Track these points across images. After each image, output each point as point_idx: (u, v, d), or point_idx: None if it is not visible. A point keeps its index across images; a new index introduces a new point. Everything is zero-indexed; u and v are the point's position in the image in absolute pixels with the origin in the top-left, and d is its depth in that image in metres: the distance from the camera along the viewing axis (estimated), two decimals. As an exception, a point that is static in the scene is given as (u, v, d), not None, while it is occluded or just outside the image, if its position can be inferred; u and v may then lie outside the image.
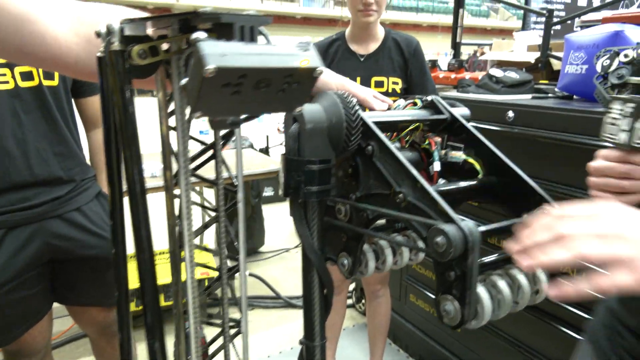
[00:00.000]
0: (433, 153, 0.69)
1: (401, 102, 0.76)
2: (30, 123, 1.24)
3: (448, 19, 24.77)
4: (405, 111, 0.72)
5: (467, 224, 0.49)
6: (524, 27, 4.25)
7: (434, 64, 3.73)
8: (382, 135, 0.59)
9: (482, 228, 0.52)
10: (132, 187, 0.48)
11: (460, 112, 0.73)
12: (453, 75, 3.16)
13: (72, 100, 1.42)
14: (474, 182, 0.66)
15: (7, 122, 1.21)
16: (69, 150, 1.35)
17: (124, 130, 0.47)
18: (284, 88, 0.39)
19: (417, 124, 0.70)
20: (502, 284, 0.54)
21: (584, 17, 2.81)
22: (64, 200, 1.33)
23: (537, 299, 0.59)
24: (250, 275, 3.15)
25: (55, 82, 1.30)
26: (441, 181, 0.71)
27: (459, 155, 0.69)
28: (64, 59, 0.57)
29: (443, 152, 0.70)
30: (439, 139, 0.71)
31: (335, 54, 1.73)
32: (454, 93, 2.28)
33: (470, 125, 0.70)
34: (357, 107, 0.61)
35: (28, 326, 1.39)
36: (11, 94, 1.20)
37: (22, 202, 1.26)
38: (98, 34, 0.48)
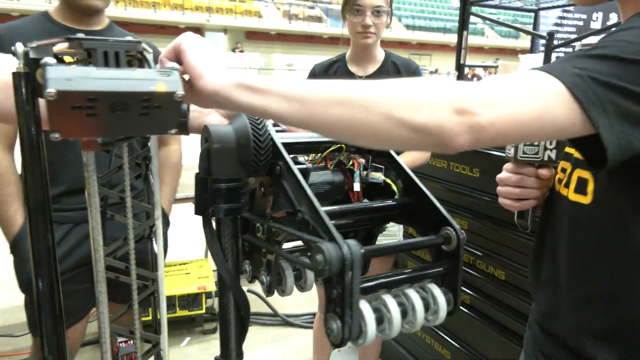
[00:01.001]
0: (354, 174, 0.71)
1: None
2: None
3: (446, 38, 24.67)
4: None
5: (350, 243, 0.51)
6: (533, 50, 4.23)
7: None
8: (287, 156, 0.61)
9: (368, 248, 0.54)
10: (31, 207, 0.51)
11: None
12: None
13: None
14: (387, 203, 0.67)
15: None
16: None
17: (25, 150, 0.50)
18: (147, 112, 0.41)
19: (339, 145, 0.72)
20: (391, 303, 0.55)
21: (585, 41, 2.80)
22: (120, 206, 1.41)
23: (434, 320, 0.59)
24: (249, 292, 3.17)
25: None
26: (366, 201, 0.73)
27: (378, 176, 0.71)
28: None
29: (365, 172, 0.72)
30: (362, 160, 0.73)
31: (335, 74, 1.78)
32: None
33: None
34: (267, 129, 0.63)
35: (72, 322, 1.47)
36: None
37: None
38: (13, 53, 0.52)
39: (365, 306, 0.53)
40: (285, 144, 0.66)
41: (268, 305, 3.16)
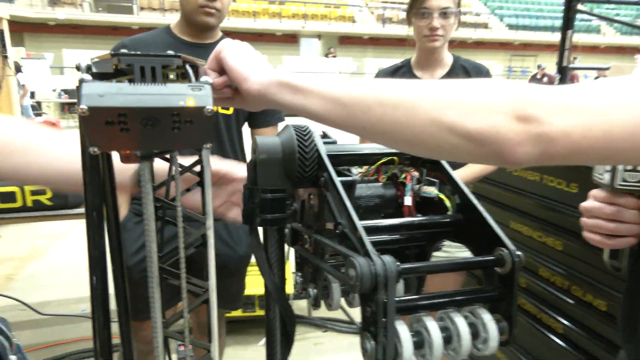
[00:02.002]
0: (406, 187, 0.68)
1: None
2: None
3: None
4: (379, 145, 0.72)
5: (385, 258, 0.49)
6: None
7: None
8: (330, 167, 0.60)
9: (405, 266, 0.51)
10: (88, 212, 0.55)
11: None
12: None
13: (242, 129, 1.62)
14: (438, 218, 0.64)
15: None
16: None
17: (85, 161, 0.55)
18: (178, 127, 0.43)
19: (390, 157, 0.69)
20: (433, 327, 0.52)
21: None
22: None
23: (485, 350, 0.55)
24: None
25: (229, 112, 1.50)
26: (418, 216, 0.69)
27: (431, 191, 0.67)
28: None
29: (417, 186, 0.69)
30: (416, 173, 0.70)
31: None
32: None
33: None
34: (313, 140, 0.63)
35: (168, 307, 1.59)
36: None
37: None
38: (77, 68, 0.57)
39: (402, 328, 0.51)
40: (332, 156, 0.65)
41: (345, 312, 3.16)
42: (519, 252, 0.55)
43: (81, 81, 0.39)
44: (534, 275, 1.70)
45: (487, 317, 0.55)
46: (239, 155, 1.61)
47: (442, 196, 0.66)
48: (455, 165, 1.70)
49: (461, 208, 0.64)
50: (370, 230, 0.62)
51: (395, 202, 0.71)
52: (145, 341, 1.57)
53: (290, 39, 20.81)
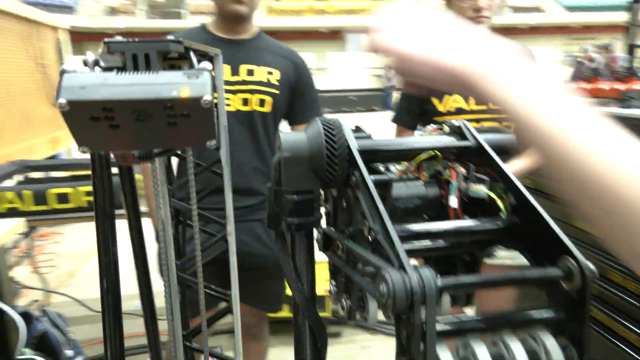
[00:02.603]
0: (450, 186, 0.60)
1: (429, 127, 0.68)
2: (239, 139, 1.44)
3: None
4: (419, 138, 0.64)
5: (423, 272, 0.41)
6: None
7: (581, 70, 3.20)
8: (361, 164, 0.53)
9: (447, 281, 0.43)
10: (99, 217, 0.52)
11: (494, 138, 0.62)
12: (618, 86, 2.67)
13: (279, 126, 1.59)
14: (489, 222, 0.55)
15: None
16: (265, 167, 1.52)
17: (96, 167, 0.50)
18: (175, 121, 0.37)
19: (432, 152, 0.61)
20: (483, 354, 0.44)
21: None
22: (251, 210, 1.51)
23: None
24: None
25: (266, 109, 1.47)
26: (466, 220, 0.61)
27: (480, 189, 0.58)
28: None
29: (464, 185, 0.60)
30: (462, 170, 0.61)
31: None
32: (615, 109, 1.93)
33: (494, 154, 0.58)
34: (343, 135, 0.56)
35: (195, 313, 1.59)
36: (232, 114, 1.44)
37: (221, 204, 1.47)
38: (85, 62, 0.53)
39: (445, 355, 0.43)
40: (365, 152, 0.58)
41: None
42: (590, 265, 0.45)
43: (62, 72, 0.34)
44: (604, 279, 1.54)
45: (551, 342, 0.46)
46: (275, 151, 1.58)
47: (493, 196, 0.57)
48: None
49: (517, 209, 0.55)
50: (408, 237, 0.54)
51: (440, 203, 0.62)
52: None
53: (335, 35, 20.70)
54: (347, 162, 0.56)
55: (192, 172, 0.51)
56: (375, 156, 0.61)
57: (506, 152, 0.65)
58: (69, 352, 2.12)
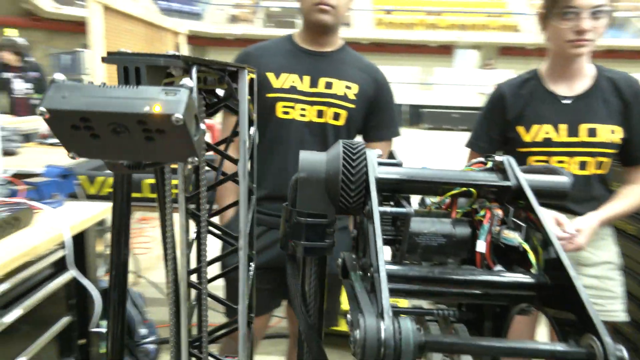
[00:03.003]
0: (481, 228, 0.54)
1: (474, 160, 0.62)
2: (309, 150, 1.47)
3: None
4: (454, 171, 0.58)
5: (404, 323, 0.37)
6: None
7: None
8: (373, 193, 0.50)
9: (433, 338, 0.38)
10: (115, 226, 0.54)
11: (542, 180, 0.55)
12: None
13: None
14: (513, 277, 0.48)
15: (294, 145, 1.48)
16: None
17: (116, 182, 0.54)
18: (152, 136, 0.37)
19: (463, 188, 0.55)
20: None
21: None
22: None
23: None
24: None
25: (339, 123, 1.47)
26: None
27: (512, 237, 0.51)
28: None
29: (497, 229, 0.54)
30: (499, 212, 0.54)
31: (530, 95, 1.46)
32: None
33: (534, 199, 0.51)
34: (363, 160, 0.53)
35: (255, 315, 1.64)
36: (305, 124, 1.46)
37: (277, 211, 1.52)
38: (125, 70, 0.56)
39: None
40: (388, 180, 0.54)
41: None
42: (620, 351, 0.37)
43: (51, 81, 0.36)
44: None
45: None
46: None
47: (526, 247, 0.50)
48: (582, 200, 1.39)
49: (550, 267, 0.47)
50: (418, 280, 0.50)
51: (470, 244, 0.56)
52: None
53: (445, 50, 20.16)
54: (363, 189, 0.53)
55: (204, 183, 0.52)
56: (401, 187, 0.57)
57: (559, 196, 0.57)
58: (143, 331, 2.29)
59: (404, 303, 0.63)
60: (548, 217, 1.22)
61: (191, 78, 0.42)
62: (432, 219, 0.56)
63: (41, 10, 13.46)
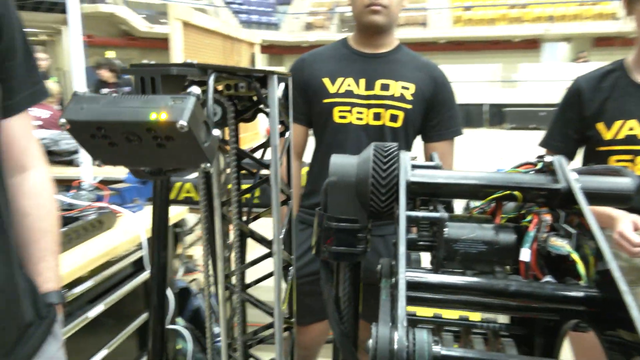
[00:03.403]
0: (526, 235, 0.49)
1: (521, 161, 0.57)
2: None
3: None
4: (495, 174, 0.54)
5: (419, 335, 0.35)
6: None
7: None
8: (401, 197, 0.48)
9: (450, 352, 0.35)
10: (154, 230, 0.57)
11: (600, 183, 0.49)
12: None
13: (412, 143, 1.53)
14: (554, 288, 0.43)
15: (351, 146, 1.47)
16: None
17: (156, 186, 0.56)
18: (162, 143, 0.38)
19: (507, 192, 0.51)
20: None
21: None
22: (374, 225, 1.52)
23: None
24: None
25: (397, 125, 1.44)
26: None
27: (561, 246, 0.46)
28: None
29: (544, 236, 0.49)
30: (547, 218, 0.50)
31: (612, 88, 1.31)
32: None
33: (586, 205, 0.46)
34: (394, 164, 0.51)
35: (312, 320, 1.57)
36: (362, 127, 1.44)
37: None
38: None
39: None
40: (424, 184, 0.52)
41: None
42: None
43: (74, 94, 0.39)
44: None
45: None
46: None
47: (574, 256, 0.45)
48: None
49: (603, 279, 0.42)
50: (450, 288, 0.47)
51: (516, 253, 0.52)
52: (302, 346, 1.60)
53: (530, 44, 18.97)
54: (394, 193, 0.51)
55: (235, 187, 0.53)
56: (439, 190, 0.54)
57: (621, 200, 0.51)
58: (217, 330, 2.40)
59: (449, 313, 0.59)
60: (626, 220, 1.10)
61: (208, 85, 0.43)
62: (472, 224, 0.52)
63: (136, 30, 14.72)
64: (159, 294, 0.57)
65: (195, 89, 0.37)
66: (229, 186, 0.55)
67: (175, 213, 1.92)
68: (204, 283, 0.58)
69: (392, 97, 1.38)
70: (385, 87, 1.39)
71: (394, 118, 1.39)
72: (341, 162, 0.54)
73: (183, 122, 0.36)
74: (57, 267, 0.77)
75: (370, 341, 0.36)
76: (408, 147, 1.48)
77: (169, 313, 1.73)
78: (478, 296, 0.44)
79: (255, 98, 0.56)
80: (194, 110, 0.37)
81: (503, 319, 0.63)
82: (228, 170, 0.58)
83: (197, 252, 3.66)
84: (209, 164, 0.41)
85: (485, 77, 15.53)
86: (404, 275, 0.39)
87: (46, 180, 0.77)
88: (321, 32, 19.89)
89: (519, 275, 0.51)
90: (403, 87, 1.38)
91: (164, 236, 0.54)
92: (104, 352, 1.42)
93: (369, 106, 1.39)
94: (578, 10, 18.93)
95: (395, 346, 0.34)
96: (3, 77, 0.66)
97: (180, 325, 1.91)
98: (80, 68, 1.87)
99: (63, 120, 0.38)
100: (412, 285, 0.41)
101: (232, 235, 0.65)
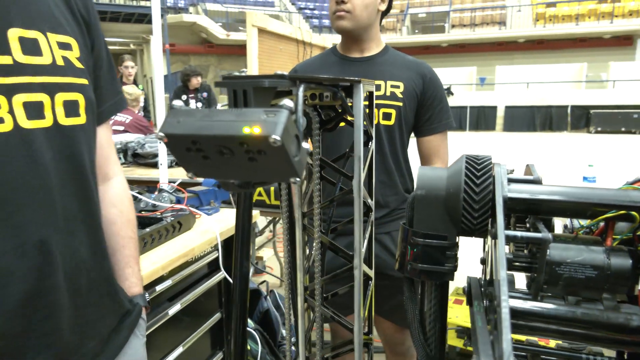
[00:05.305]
0: (645, 262, 0.43)
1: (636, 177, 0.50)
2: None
3: None
4: (607, 191, 0.48)
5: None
6: None
7: None
8: (499, 215, 0.43)
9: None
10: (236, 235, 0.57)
11: None
12: None
13: (407, 140, 1.59)
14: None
15: (347, 147, 1.53)
16: (390, 180, 1.55)
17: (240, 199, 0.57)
18: (254, 157, 0.37)
19: (622, 211, 0.45)
20: None
21: None
22: (379, 222, 1.54)
23: None
24: None
25: (390, 122, 1.51)
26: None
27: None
28: None
29: (669, 263, 0.42)
30: (672, 242, 0.43)
31: None
32: None
33: None
34: (489, 177, 0.47)
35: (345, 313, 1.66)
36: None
37: (348, 216, 1.55)
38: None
39: None
40: (520, 200, 0.47)
41: None
42: None
43: (170, 107, 0.39)
44: None
45: None
46: (402, 169, 1.51)
47: None
48: None
49: None
50: (554, 319, 0.42)
51: (631, 280, 0.46)
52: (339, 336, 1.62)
53: (623, 41, 17.47)
54: (489, 209, 0.47)
55: (318, 199, 0.51)
56: (539, 207, 0.49)
57: None
58: (284, 332, 2.43)
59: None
60: None
61: (297, 97, 0.42)
62: (579, 246, 0.47)
63: (215, 37, 15.47)
64: (242, 303, 0.57)
65: (288, 102, 0.37)
66: (315, 198, 0.54)
67: (249, 216, 1.95)
68: (286, 294, 0.57)
69: (383, 97, 1.41)
70: (376, 87, 1.43)
71: (387, 116, 1.42)
72: (430, 174, 0.51)
73: (276, 137, 0.35)
74: (139, 272, 0.81)
75: (470, 376, 0.33)
76: (403, 145, 1.49)
77: (242, 314, 1.77)
78: (591, 330, 0.39)
79: (338, 107, 0.54)
80: (287, 124, 0.36)
81: (608, 351, 0.57)
82: (310, 181, 0.57)
83: (267, 254, 3.75)
84: (298, 179, 0.40)
85: (569, 78, 14.53)
86: (508, 304, 0.36)
87: (127, 189, 0.82)
88: (392, 34, 19.69)
89: (633, 306, 0.45)
90: (393, 86, 1.41)
91: (247, 245, 0.54)
92: (179, 350, 1.48)
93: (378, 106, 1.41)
94: (679, 2, 17.17)
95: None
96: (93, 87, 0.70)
97: (250, 327, 1.95)
98: (160, 75, 1.98)
99: (161, 134, 0.39)
100: (514, 314, 0.37)
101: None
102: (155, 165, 2.72)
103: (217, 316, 1.72)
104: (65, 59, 0.61)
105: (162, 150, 2.10)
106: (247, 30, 3.26)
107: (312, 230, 0.55)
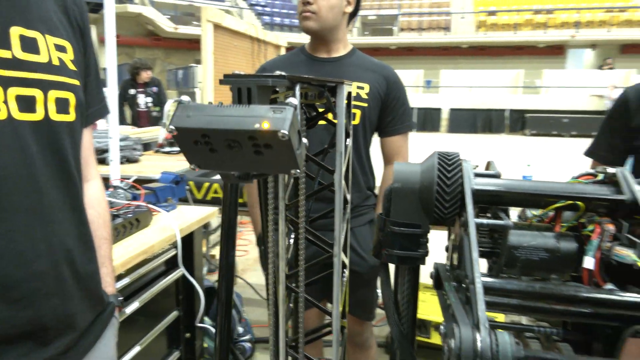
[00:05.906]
0: (589, 244, 0.50)
1: (581, 172, 0.58)
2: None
3: None
4: (558, 184, 0.55)
5: (501, 337, 0.36)
6: None
7: None
8: (468, 205, 0.49)
9: (533, 354, 0.37)
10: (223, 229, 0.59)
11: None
12: None
13: (370, 139, 1.64)
14: (617, 296, 0.44)
15: (316, 146, 1.54)
16: (353, 178, 1.59)
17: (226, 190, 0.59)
18: (260, 150, 0.41)
19: (569, 201, 0.52)
20: None
21: None
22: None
23: None
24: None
25: (355, 122, 1.55)
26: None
27: (625, 254, 0.47)
28: None
29: (609, 245, 0.50)
30: (610, 227, 0.51)
31: None
32: None
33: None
34: (459, 171, 0.53)
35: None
36: (323, 127, 1.49)
37: (316, 212, 1.58)
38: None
39: None
40: (484, 192, 0.53)
41: None
42: None
43: (179, 102, 0.42)
44: None
45: None
46: (365, 167, 1.56)
47: (641, 266, 0.46)
48: None
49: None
50: (516, 294, 0.48)
51: (577, 261, 0.53)
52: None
53: (555, 50, 18.69)
54: (458, 200, 0.52)
55: (303, 192, 0.55)
56: (500, 199, 0.55)
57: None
58: (240, 329, 2.43)
59: (500, 319, 0.60)
60: None
61: (294, 95, 0.45)
62: (532, 232, 0.54)
63: (162, 30, 14.95)
64: (227, 291, 0.60)
65: (294, 100, 0.40)
66: (300, 191, 0.58)
67: (207, 213, 1.94)
68: (269, 284, 0.60)
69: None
70: None
71: (352, 116, 1.46)
72: (405, 169, 0.56)
73: (285, 132, 0.39)
74: (113, 272, 0.83)
75: (452, 341, 0.38)
76: (366, 144, 1.55)
77: (200, 312, 1.76)
78: (548, 303, 0.45)
79: (318, 106, 0.58)
80: (293, 120, 0.39)
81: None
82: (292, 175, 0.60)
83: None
84: (298, 170, 0.43)
85: (507, 83, 15.34)
86: (480, 279, 0.41)
87: (103, 192, 0.84)
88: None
89: (577, 283, 0.53)
90: (358, 87, 1.46)
91: (233, 236, 0.57)
92: (136, 349, 1.45)
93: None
94: (605, 17, 18.60)
95: (480, 346, 0.36)
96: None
97: (207, 324, 1.95)
98: (113, 68, 1.93)
99: (172, 127, 0.41)
100: (484, 290, 0.42)
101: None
102: (104, 162, 2.64)
103: (174, 314, 1.70)
104: (60, 59, 0.64)
105: (113, 146, 2.04)
106: (202, 25, 3.22)
107: (296, 221, 0.58)
